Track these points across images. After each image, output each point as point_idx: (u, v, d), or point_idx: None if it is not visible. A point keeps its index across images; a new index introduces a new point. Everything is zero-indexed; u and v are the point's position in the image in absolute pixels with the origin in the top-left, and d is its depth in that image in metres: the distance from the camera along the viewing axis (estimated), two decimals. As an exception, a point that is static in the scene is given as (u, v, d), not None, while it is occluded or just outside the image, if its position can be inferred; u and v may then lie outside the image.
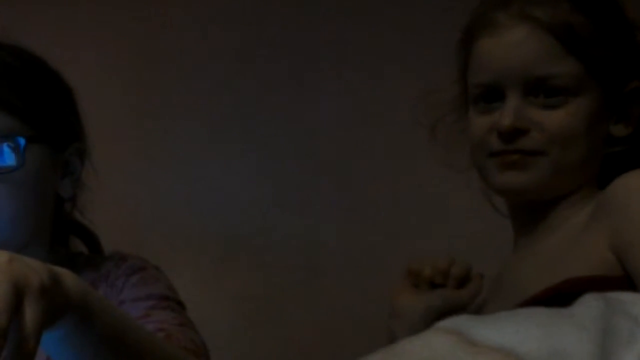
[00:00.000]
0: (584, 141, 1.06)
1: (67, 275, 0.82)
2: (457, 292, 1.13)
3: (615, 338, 0.63)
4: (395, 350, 0.68)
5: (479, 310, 1.12)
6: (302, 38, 2.07)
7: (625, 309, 0.66)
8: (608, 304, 0.66)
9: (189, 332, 1.11)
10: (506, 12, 1.08)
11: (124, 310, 1.12)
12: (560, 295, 0.88)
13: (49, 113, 1.19)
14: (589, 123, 1.06)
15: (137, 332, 0.91)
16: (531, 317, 0.67)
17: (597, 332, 0.63)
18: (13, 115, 1.13)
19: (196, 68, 2.10)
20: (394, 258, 1.92)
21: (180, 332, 1.08)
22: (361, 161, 2.00)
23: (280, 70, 2.07)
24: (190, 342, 1.08)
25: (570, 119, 1.05)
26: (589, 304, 0.67)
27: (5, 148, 1.12)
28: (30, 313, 0.73)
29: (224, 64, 2.09)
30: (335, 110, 2.03)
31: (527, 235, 1.11)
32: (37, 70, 1.21)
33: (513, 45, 1.06)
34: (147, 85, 2.13)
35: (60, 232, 1.28)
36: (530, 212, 1.10)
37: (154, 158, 2.10)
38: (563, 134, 1.05)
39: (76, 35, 2.13)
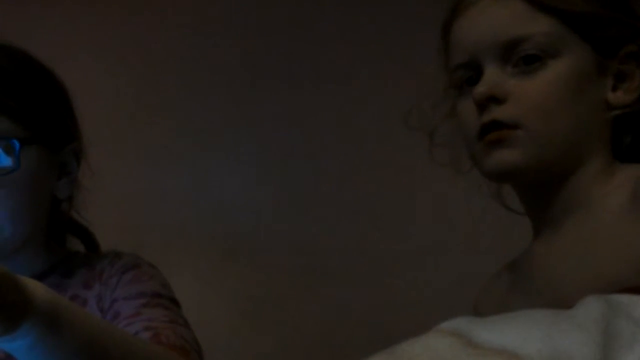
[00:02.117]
0: (569, 109, 0.98)
1: (34, 286, 0.83)
2: None
3: (616, 340, 0.63)
4: (396, 352, 0.68)
5: (502, 304, 1.02)
6: (303, 39, 2.07)
7: (626, 311, 0.65)
8: (609, 306, 0.66)
9: (179, 328, 1.10)
10: None
11: (116, 309, 1.13)
12: None
13: (44, 114, 1.18)
14: (574, 88, 0.98)
15: (115, 341, 0.92)
16: (532, 318, 0.67)
17: (598, 333, 0.63)
18: (7, 117, 1.12)
19: (196, 69, 2.10)
20: (394, 258, 1.92)
21: (170, 329, 1.08)
22: (361, 161, 1.99)
23: (281, 71, 2.07)
24: (179, 339, 1.07)
25: (548, 87, 0.98)
26: (590, 306, 0.67)
27: (0, 150, 1.11)
28: None
29: (224, 64, 2.09)
30: (335, 110, 2.03)
31: (551, 223, 1.01)
32: (30, 70, 1.20)
33: (481, 17, 1.02)
34: (147, 86, 2.13)
35: (57, 231, 1.28)
36: (547, 198, 1.01)
37: (154, 158, 2.10)
38: (539, 105, 0.97)
39: (76, 35, 2.13)
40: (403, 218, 1.95)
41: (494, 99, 0.99)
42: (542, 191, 1.02)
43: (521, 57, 0.99)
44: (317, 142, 2.02)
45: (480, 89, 0.99)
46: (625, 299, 0.68)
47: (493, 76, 1.00)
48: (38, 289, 0.84)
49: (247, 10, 2.11)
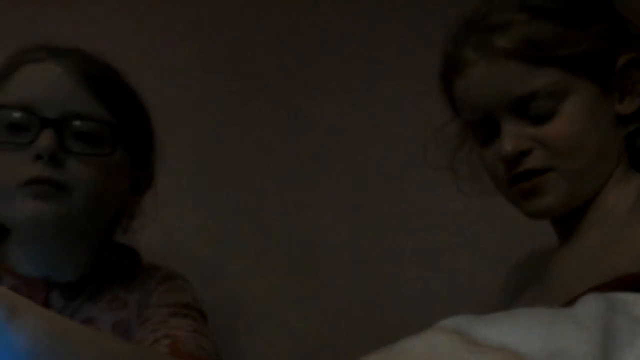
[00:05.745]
0: (591, 137, 1.04)
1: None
2: None
3: (616, 338, 0.63)
4: (395, 349, 0.68)
5: None
6: (303, 37, 2.07)
7: (626, 309, 0.66)
8: (609, 304, 0.66)
9: (201, 339, 1.15)
10: (468, 48, 1.07)
11: (148, 314, 1.19)
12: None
13: (136, 128, 1.30)
14: (589, 118, 1.04)
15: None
16: (532, 316, 0.67)
17: (598, 331, 0.63)
18: (110, 114, 1.23)
19: (196, 69, 2.10)
20: (395, 258, 1.92)
21: (192, 339, 1.13)
22: (362, 161, 1.99)
23: (281, 70, 2.07)
24: (199, 348, 1.11)
25: (567, 126, 1.03)
26: (590, 304, 0.67)
27: (105, 133, 1.19)
28: None
29: (223, 64, 2.09)
30: (336, 110, 2.02)
31: (570, 232, 1.07)
32: (127, 87, 1.38)
33: (484, 81, 1.06)
34: (146, 87, 2.13)
35: (109, 240, 1.33)
36: (576, 216, 1.08)
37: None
38: (565, 144, 1.03)
39: (77, 35, 2.13)
40: (403, 218, 1.94)
41: (522, 154, 1.04)
42: (572, 213, 1.08)
43: (534, 105, 1.04)
44: (318, 142, 2.02)
45: (508, 148, 1.04)
46: (625, 296, 0.68)
47: (513, 129, 1.05)
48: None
49: (247, 8, 2.11)
